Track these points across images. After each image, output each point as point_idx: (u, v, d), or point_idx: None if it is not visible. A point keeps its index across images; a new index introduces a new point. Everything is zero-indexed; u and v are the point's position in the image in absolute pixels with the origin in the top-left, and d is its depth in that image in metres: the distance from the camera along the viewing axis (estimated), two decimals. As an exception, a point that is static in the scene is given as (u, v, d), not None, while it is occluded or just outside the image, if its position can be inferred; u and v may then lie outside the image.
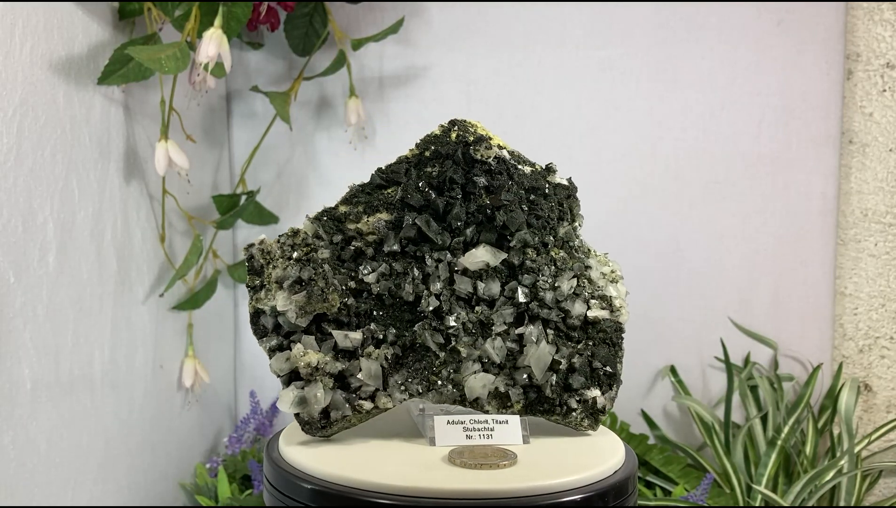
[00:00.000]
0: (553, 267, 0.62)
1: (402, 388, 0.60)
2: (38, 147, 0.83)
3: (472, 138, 0.63)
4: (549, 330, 0.61)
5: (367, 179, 0.67)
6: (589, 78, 1.11)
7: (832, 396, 1.05)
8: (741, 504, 0.97)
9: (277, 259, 0.61)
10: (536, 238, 0.62)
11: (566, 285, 0.61)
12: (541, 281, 0.61)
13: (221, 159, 1.19)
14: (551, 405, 0.61)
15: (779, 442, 0.98)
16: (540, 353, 0.60)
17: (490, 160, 0.62)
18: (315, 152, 1.19)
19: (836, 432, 1.02)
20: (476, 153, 0.61)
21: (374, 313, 0.61)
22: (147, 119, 1.00)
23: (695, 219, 1.10)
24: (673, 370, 1.11)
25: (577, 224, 0.64)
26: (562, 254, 0.62)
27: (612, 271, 0.63)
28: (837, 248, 1.08)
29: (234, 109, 1.20)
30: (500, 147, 0.63)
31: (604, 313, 0.62)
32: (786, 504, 0.93)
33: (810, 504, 0.94)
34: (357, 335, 0.60)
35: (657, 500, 0.94)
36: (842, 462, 0.95)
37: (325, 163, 1.18)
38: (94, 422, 0.92)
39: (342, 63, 1.09)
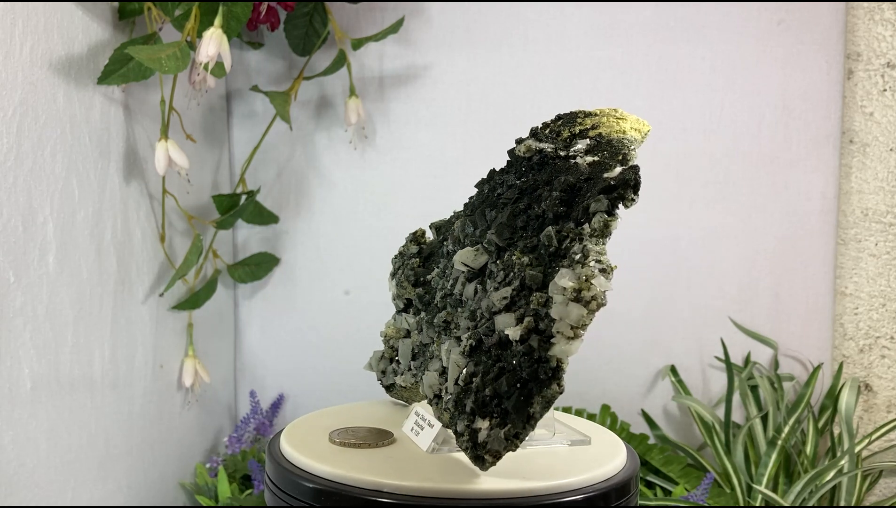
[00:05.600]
0: (511, 273, 0.54)
1: (413, 373, 0.63)
2: (38, 147, 0.83)
3: (548, 132, 0.58)
4: (472, 341, 0.54)
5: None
6: (589, 78, 1.11)
7: (832, 396, 1.05)
8: (741, 503, 0.97)
9: None
10: (507, 240, 0.55)
11: (498, 294, 0.53)
12: (490, 287, 0.55)
13: (221, 159, 1.18)
14: (451, 421, 0.54)
15: (779, 442, 0.98)
16: (449, 362, 0.55)
17: (525, 155, 0.58)
18: (315, 152, 1.18)
19: (836, 432, 1.02)
20: (516, 150, 0.59)
21: (433, 303, 0.63)
22: (147, 119, 1.00)
23: (695, 219, 1.10)
24: (673, 370, 1.11)
25: (586, 226, 0.54)
26: (523, 260, 0.54)
27: (583, 290, 0.50)
28: (838, 247, 1.08)
29: (234, 109, 1.20)
30: (549, 137, 0.58)
31: (516, 334, 0.51)
32: (786, 504, 0.93)
33: (811, 503, 0.94)
34: (411, 320, 0.65)
35: (657, 500, 0.94)
36: (842, 462, 0.95)
37: (325, 163, 1.18)
38: (94, 422, 0.92)
39: (342, 63, 1.09)
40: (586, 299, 0.50)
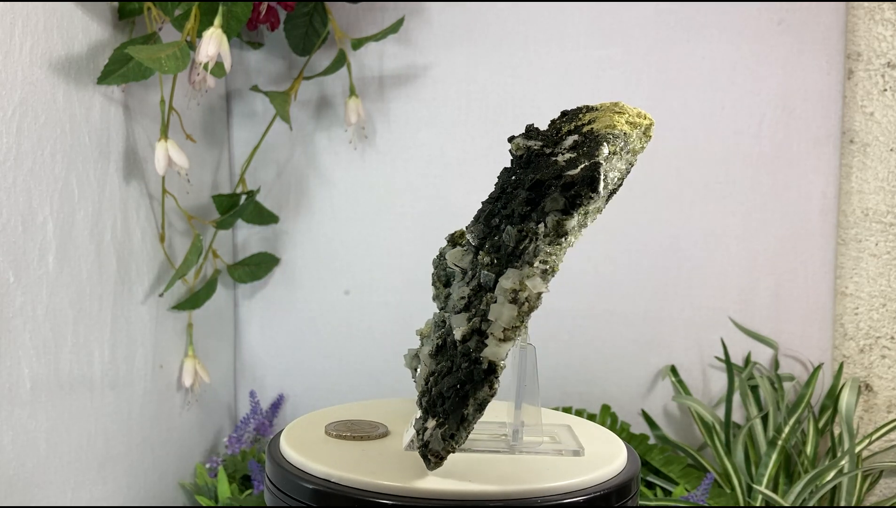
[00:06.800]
0: (475, 273, 0.54)
1: None
2: (38, 147, 0.83)
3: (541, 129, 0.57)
4: (439, 341, 0.54)
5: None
6: (589, 78, 1.11)
7: (833, 396, 1.05)
8: (742, 504, 0.97)
9: None
10: (481, 240, 0.54)
11: (457, 294, 0.53)
12: (458, 287, 0.54)
13: (221, 159, 1.18)
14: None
15: (779, 442, 0.98)
16: (420, 363, 0.55)
17: (517, 153, 0.57)
18: (315, 152, 1.18)
19: (836, 432, 1.02)
20: (510, 148, 0.59)
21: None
22: (147, 119, 1.00)
23: (695, 219, 1.10)
24: (673, 370, 1.11)
25: (541, 226, 0.51)
26: (485, 260, 0.53)
27: (520, 292, 0.50)
28: (838, 247, 1.08)
29: (234, 109, 1.20)
30: (538, 136, 0.57)
31: (459, 334, 0.51)
32: (786, 505, 0.93)
33: (811, 504, 0.94)
34: (439, 316, 0.62)
35: (658, 500, 0.94)
36: (842, 463, 0.95)
37: (325, 163, 1.18)
38: (93, 422, 0.92)
39: (342, 63, 1.09)
40: (521, 301, 0.49)
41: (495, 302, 0.50)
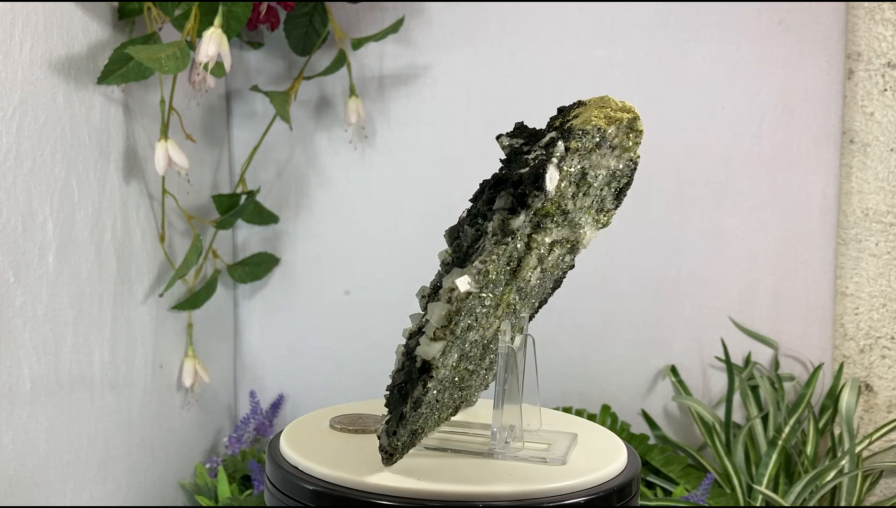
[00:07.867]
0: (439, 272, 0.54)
1: None
2: (38, 147, 0.83)
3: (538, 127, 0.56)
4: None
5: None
6: (589, 78, 1.11)
7: (833, 396, 1.05)
8: (742, 504, 0.97)
9: None
10: (455, 240, 0.54)
11: (419, 292, 0.53)
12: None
13: (221, 159, 1.18)
14: None
15: (779, 442, 0.98)
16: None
17: (505, 152, 0.56)
18: (315, 152, 1.18)
19: (836, 432, 1.02)
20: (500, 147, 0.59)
21: None
22: (147, 119, 1.00)
23: (695, 219, 1.10)
24: (673, 370, 1.11)
25: (489, 224, 0.51)
26: (447, 259, 0.53)
27: (454, 290, 0.49)
28: (838, 247, 1.08)
29: (234, 109, 1.20)
30: (516, 136, 0.56)
31: (406, 332, 0.52)
32: (787, 505, 0.93)
33: (811, 504, 0.94)
34: None
35: (658, 500, 0.94)
36: (843, 463, 0.95)
37: (325, 163, 1.18)
38: (93, 422, 0.92)
39: (342, 63, 1.09)
40: (453, 300, 0.49)
41: (437, 300, 0.50)
